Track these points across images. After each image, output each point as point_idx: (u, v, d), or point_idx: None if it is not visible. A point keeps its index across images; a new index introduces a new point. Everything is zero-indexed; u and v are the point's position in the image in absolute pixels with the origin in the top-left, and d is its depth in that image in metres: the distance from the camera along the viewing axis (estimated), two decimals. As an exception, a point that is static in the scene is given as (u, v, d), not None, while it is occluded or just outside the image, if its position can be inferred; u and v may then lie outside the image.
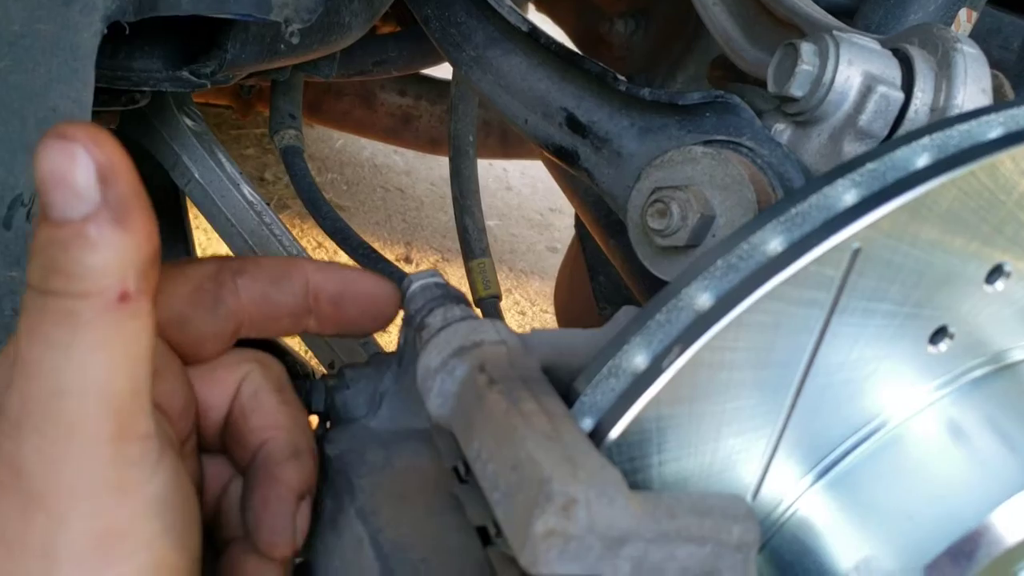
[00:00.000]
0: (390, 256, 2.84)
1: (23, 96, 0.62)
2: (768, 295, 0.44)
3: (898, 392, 0.50)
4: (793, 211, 0.46)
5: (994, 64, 0.88)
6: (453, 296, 0.53)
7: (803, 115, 0.63)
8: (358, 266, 0.60)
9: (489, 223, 3.17)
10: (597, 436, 0.45)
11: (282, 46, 0.75)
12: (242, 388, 0.52)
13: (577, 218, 1.30)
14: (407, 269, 2.83)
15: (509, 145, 1.67)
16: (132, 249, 0.41)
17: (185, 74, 0.75)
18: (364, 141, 3.14)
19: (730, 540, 0.42)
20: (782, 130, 0.64)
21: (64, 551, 0.42)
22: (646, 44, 1.42)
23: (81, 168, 0.40)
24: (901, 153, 0.47)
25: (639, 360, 0.46)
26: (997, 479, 0.47)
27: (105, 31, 0.63)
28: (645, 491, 0.43)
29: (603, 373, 0.46)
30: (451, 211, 1.18)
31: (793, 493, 0.50)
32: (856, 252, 0.44)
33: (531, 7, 1.69)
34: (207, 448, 0.53)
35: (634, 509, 0.40)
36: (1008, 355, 0.52)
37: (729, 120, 0.63)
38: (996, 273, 0.49)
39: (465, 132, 1.13)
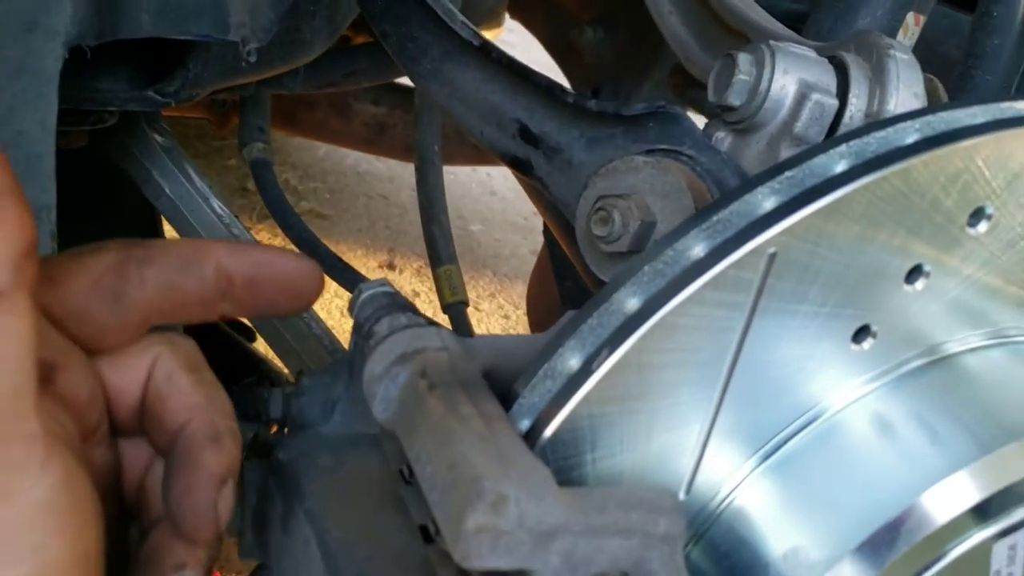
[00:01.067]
0: (373, 263, 2.87)
1: (-12, 120, 0.64)
2: (690, 299, 0.46)
3: (826, 388, 0.52)
4: (715, 218, 0.48)
5: (945, 66, 0.90)
6: (400, 305, 0.55)
7: (742, 123, 0.65)
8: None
9: (473, 228, 3.19)
10: (533, 435, 0.47)
11: (243, 64, 0.77)
12: (155, 371, 0.51)
13: (545, 224, 1.33)
14: (390, 275, 2.85)
15: (483, 151, 1.70)
16: (3, 243, 0.39)
17: (150, 93, 0.78)
18: (346, 149, 3.17)
19: (656, 532, 0.44)
20: (723, 138, 0.66)
21: None
22: (615, 51, 1.45)
23: None
24: (819, 160, 0.49)
25: (573, 362, 0.48)
26: (917, 470, 0.49)
27: (67, 55, 0.65)
28: (575, 487, 0.45)
29: (539, 375, 0.48)
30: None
31: (727, 486, 0.52)
32: (772, 256, 0.46)
33: (506, 16, 1.71)
34: (123, 432, 0.52)
35: (563, 505, 0.42)
36: (943, 348, 0.54)
37: (671, 129, 0.66)
38: (915, 273, 0.51)
39: (431, 141, 1.15)
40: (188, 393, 0.51)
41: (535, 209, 3.31)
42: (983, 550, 0.49)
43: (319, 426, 0.56)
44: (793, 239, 0.47)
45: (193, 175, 0.96)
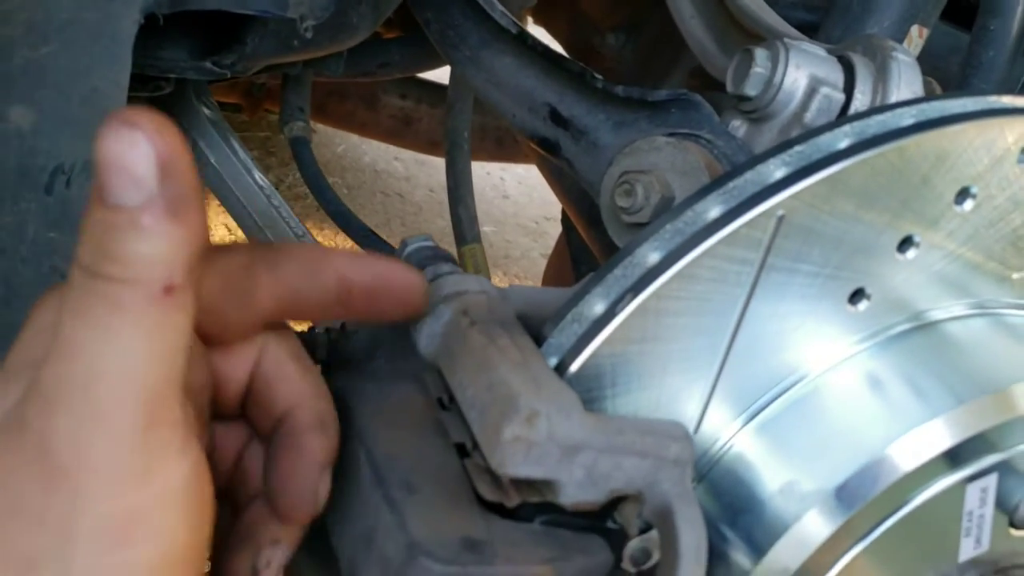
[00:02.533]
0: (387, 259, 2.92)
1: (68, 76, 0.70)
2: (706, 253, 0.52)
3: (823, 344, 0.58)
4: (731, 184, 0.54)
5: (947, 82, 0.96)
6: (442, 256, 0.61)
7: (756, 112, 0.71)
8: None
9: (485, 229, 3.23)
10: (560, 371, 0.53)
11: (296, 41, 0.83)
12: (263, 359, 0.53)
13: (563, 211, 1.39)
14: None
15: (504, 148, 1.76)
16: (183, 242, 0.41)
17: (208, 64, 0.84)
18: (365, 147, 3.23)
19: (668, 455, 0.50)
20: (738, 126, 0.72)
21: (81, 530, 0.42)
22: (636, 56, 1.51)
23: (142, 156, 0.40)
24: (825, 138, 0.55)
25: (598, 308, 0.54)
26: (899, 417, 0.55)
27: (142, 21, 0.71)
28: (598, 412, 0.51)
29: (567, 319, 0.54)
30: (449, 216, 1.25)
31: (729, 432, 0.57)
32: (781, 218, 0.52)
33: (529, 20, 1.77)
34: (223, 416, 0.54)
35: (588, 423, 0.48)
36: (927, 315, 0.60)
37: (691, 115, 0.72)
38: (906, 244, 0.57)
39: (461, 128, 1.22)
40: (296, 380, 0.53)
41: (546, 214, 3.37)
42: (957, 491, 0.54)
43: (364, 363, 0.62)
44: (800, 204, 0.53)
45: (237, 147, 1.02)
